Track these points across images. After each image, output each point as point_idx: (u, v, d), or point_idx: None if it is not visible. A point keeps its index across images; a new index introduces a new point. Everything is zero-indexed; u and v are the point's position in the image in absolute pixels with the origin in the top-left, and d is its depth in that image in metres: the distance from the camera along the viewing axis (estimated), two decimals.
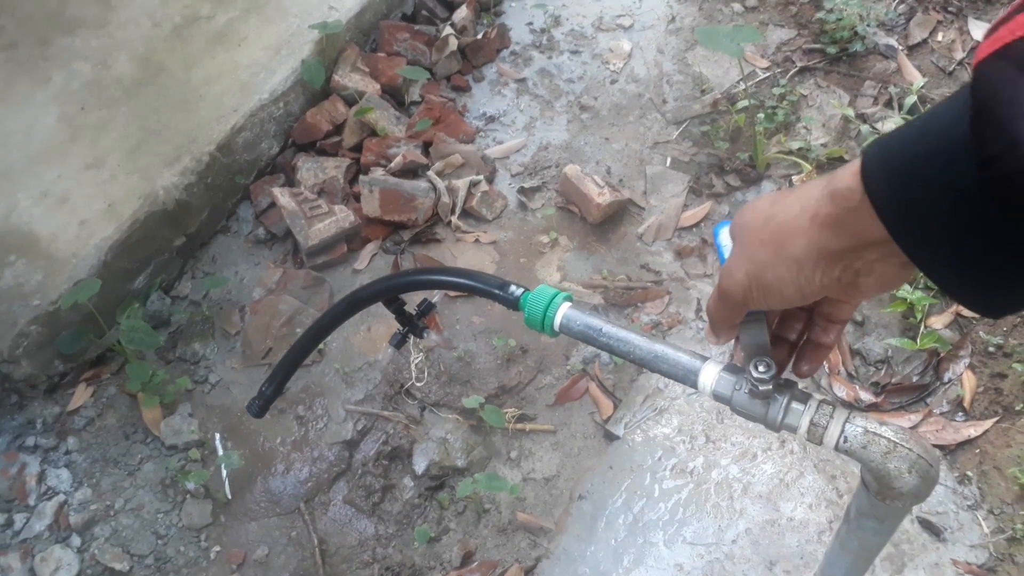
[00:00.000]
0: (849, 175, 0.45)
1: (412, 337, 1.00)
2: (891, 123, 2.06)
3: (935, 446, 1.57)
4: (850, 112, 2.09)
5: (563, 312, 0.76)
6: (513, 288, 0.81)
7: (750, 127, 2.08)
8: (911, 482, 0.61)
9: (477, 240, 2.03)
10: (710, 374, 0.69)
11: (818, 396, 0.65)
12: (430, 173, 2.09)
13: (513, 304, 0.81)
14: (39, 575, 1.62)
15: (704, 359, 0.70)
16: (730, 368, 0.69)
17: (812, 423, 0.64)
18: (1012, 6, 0.37)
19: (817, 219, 0.48)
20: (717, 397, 0.69)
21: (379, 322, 1.90)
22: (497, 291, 0.81)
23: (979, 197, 0.36)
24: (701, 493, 1.58)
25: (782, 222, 0.51)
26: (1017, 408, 1.56)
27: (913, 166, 0.40)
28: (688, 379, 0.70)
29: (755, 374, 0.64)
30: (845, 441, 0.63)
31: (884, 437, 0.62)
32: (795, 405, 0.65)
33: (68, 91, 2.13)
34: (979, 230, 0.37)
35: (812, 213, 0.49)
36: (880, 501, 0.65)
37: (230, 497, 1.71)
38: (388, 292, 0.90)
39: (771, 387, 0.65)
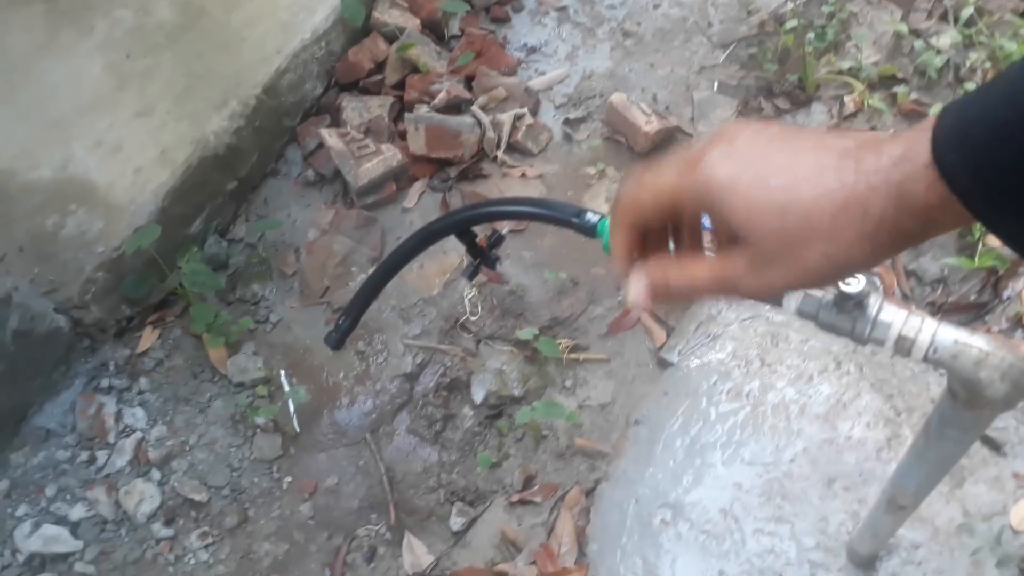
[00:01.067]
0: (924, 184, 0.39)
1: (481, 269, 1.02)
2: (946, 37, 1.99)
3: None
4: (903, 28, 2.03)
5: None
6: (589, 215, 0.82)
7: (799, 48, 2.04)
8: (1003, 389, 0.63)
9: (524, 174, 2.03)
10: (796, 293, 0.70)
11: (904, 309, 0.66)
12: (474, 108, 2.08)
13: (590, 231, 0.82)
14: (124, 507, 1.71)
15: None
16: None
17: (900, 336, 0.66)
18: None
19: (884, 226, 0.41)
20: (802, 314, 0.70)
21: (432, 260, 1.93)
22: (574, 219, 0.82)
23: None
24: (757, 415, 1.61)
25: (832, 219, 0.42)
26: None
27: (1001, 131, 0.36)
28: (772, 300, 0.71)
29: (843, 288, 0.65)
30: (935, 352, 0.64)
31: (975, 347, 0.63)
32: (883, 318, 0.66)
33: (112, 39, 2.14)
34: None
35: (877, 219, 0.41)
36: (968, 411, 0.66)
37: (298, 430, 1.78)
38: (462, 224, 0.92)
39: (858, 302, 0.66)
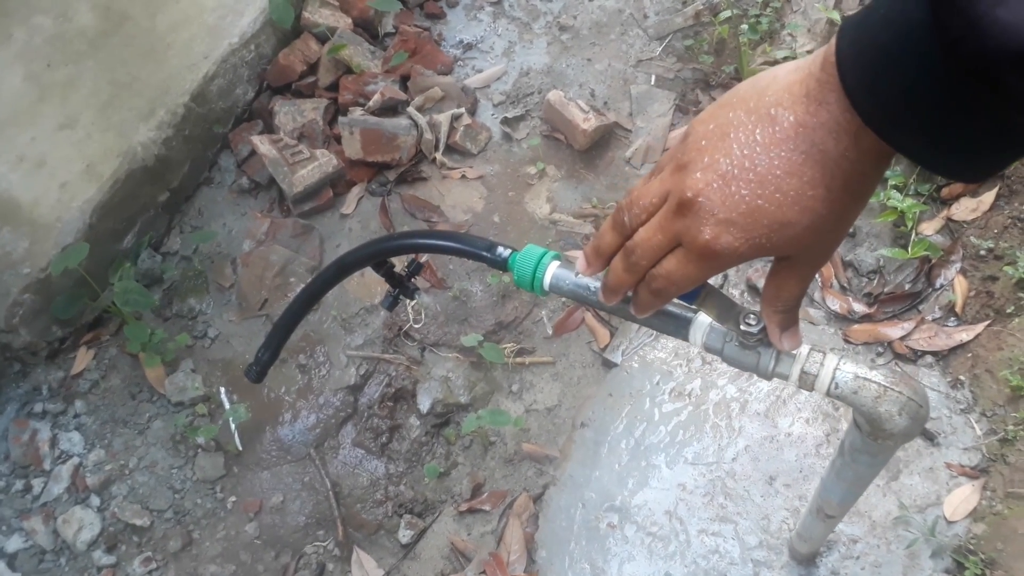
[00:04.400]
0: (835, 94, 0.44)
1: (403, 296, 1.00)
2: None
3: (928, 352, 1.60)
4: (835, 15, 2.03)
5: (552, 272, 0.76)
6: (500, 249, 0.80)
7: (734, 38, 2.03)
8: (901, 423, 0.63)
9: (463, 176, 2.01)
10: (700, 327, 0.69)
11: (807, 344, 0.66)
12: (410, 109, 2.05)
13: (501, 266, 0.80)
14: (63, 536, 1.67)
15: (694, 311, 0.70)
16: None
17: (803, 371, 0.65)
18: None
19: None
20: (708, 349, 0.69)
21: None
22: (485, 253, 0.81)
23: (950, 75, 0.38)
24: (700, 414, 1.62)
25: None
26: (1008, 311, 1.57)
27: (883, 54, 0.41)
28: (679, 333, 0.70)
29: (743, 327, 0.64)
30: (836, 387, 0.64)
31: (874, 382, 0.63)
32: (786, 354, 0.66)
33: (31, 48, 2.06)
34: (954, 106, 0.39)
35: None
36: (872, 441, 0.66)
37: (241, 448, 1.75)
38: (374, 257, 0.90)
39: (760, 339, 0.65)
